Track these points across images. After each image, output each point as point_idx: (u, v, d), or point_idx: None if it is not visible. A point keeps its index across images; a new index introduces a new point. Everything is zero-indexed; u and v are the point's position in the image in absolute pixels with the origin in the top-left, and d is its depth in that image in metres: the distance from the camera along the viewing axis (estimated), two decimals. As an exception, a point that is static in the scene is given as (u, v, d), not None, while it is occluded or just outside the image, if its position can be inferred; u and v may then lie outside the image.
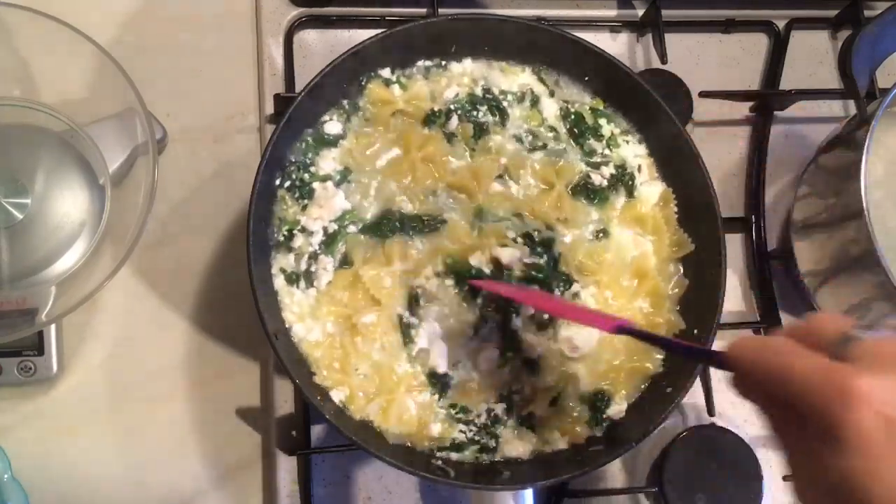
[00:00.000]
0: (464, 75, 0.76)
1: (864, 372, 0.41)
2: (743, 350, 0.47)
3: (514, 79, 0.76)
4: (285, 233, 0.69)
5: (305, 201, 0.70)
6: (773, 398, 0.46)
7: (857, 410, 0.40)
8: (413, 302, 0.70)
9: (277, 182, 0.70)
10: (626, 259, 0.74)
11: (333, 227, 0.70)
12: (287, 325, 0.68)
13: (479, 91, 0.75)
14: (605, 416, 0.70)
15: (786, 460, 0.47)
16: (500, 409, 0.70)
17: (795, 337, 0.46)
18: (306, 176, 0.71)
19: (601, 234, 0.74)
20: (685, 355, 0.68)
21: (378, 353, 0.69)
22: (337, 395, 0.67)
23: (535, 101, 0.76)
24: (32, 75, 0.75)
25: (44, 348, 0.72)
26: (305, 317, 0.68)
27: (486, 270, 0.70)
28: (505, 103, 0.75)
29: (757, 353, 0.46)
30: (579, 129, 0.76)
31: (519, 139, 0.75)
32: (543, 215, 0.72)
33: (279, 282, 0.69)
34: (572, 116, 0.76)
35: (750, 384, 0.48)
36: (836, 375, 0.42)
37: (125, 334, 0.77)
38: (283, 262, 0.69)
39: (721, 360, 0.48)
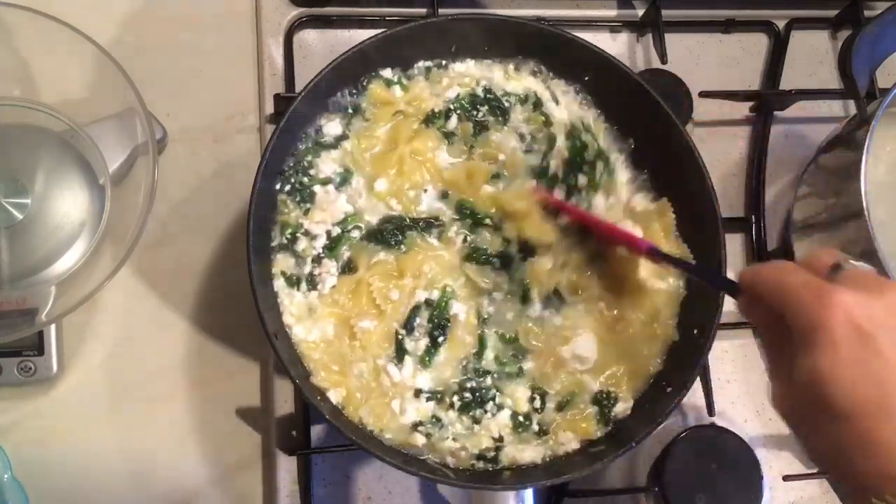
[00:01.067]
0: (465, 76, 0.76)
1: (846, 288, 0.48)
2: (749, 271, 0.55)
3: (516, 83, 0.76)
4: (288, 236, 0.69)
5: (307, 205, 0.70)
6: (769, 313, 0.52)
7: (832, 313, 0.47)
8: (410, 323, 0.70)
9: (277, 186, 0.70)
10: (619, 274, 0.74)
11: (336, 230, 0.70)
12: (287, 326, 0.68)
13: (479, 91, 0.75)
14: (612, 413, 0.70)
15: (768, 371, 0.54)
16: (505, 431, 0.70)
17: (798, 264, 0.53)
18: (306, 179, 0.71)
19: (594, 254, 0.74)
20: (701, 277, 0.71)
21: (370, 361, 0.69)
22: (334, 397, 0.67)
23: (538, 104, 0.76)
24: (32, 75, 0.75)
25: (44, 348, 0.72)
26: (305, 319, 0.68)
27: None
28: (507, 103, 0.75)
29: (760, 270, 0.54)
30: (580, 159, 0.75)
31: (521, 136, 0.75)
32: (526, 231, 0.72)
33: (279, 283, 0.69)
34: (577, 143, 0.75)
35: (752, 300, 0.54)
36: (822, 287, 0.48)
37: (125, 334, 0.77)
38: (284, 264, 0.69)
39: (731, 283, 0.57)
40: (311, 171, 0.71)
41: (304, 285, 0.69)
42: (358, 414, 0.67)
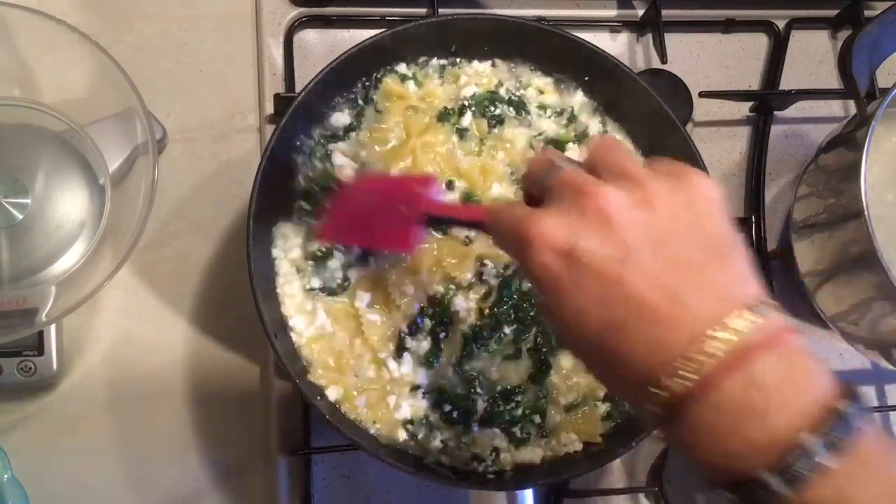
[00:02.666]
0: (482, 76, 0.76)
1: (542, 212, 0.45)
2: (490, 210, 0.51)
3: (553, 96, 0.77)
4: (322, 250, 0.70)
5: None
6: None
7: (534, 252, 0.44)
8: (414, 325, 0.69)
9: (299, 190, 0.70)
10: None
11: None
12: (286, 323, 0.68)
13: (502, 92, 0.76)
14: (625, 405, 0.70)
15: None
16: (501, 444, 0.69)
17: (524, 183, 0.51)
18: (322, 179, 0.71)
19: None
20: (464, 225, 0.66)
21: (372, 354, 0.69)
22: (332, 394, 0.67)
23: (573, 118, 0.76)
24: (32, 75, 0.75)
25: (44, 348, 0.72)
26: (304, 314, 0.69)
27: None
28: (539, 112, 0.76)
29: (493, 213, 0.50)
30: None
31: (531, 145, 0.75)
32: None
33: (281, 279, 0.69)
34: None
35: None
36: (520, 223, 0.45)
37: (125, 334, 0.77)
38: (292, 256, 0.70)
39: (482, 226, 0.52)
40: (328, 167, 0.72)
41: (316, 282, 0.69)
42: (356, 409, 0.67)
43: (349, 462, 0.77)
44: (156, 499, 0.75)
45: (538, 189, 0.48)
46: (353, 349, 0.69)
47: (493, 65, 0.77)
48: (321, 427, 0.76)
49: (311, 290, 0.69)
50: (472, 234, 0.71)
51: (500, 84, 0.76)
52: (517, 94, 0.76)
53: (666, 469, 0.78)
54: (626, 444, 0.66)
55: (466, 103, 0.74)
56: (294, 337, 0.68)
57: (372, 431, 0.67)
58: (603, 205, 0.43)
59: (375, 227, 0.64)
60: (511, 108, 0.76)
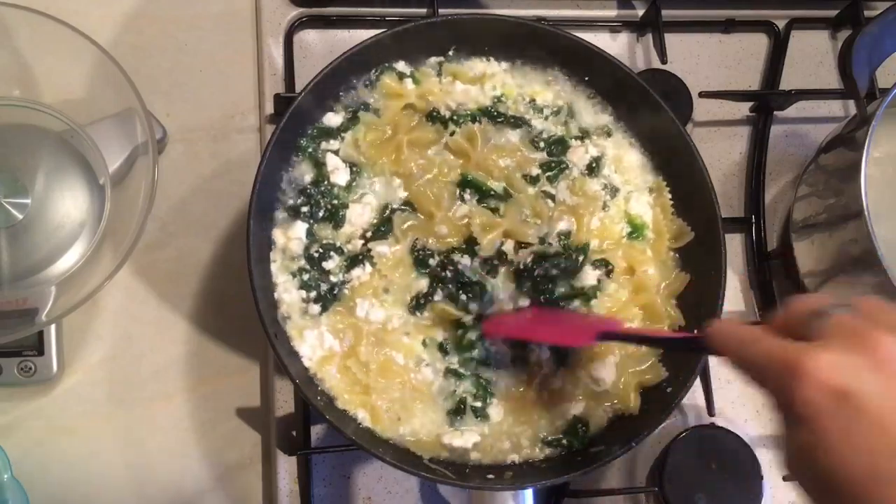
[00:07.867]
0: (477, 80, 0.76)
1: (816, 348, 0.43)
2: (718, 336, 0.51)
3: (548, 94, 0.77)
4: (319, 250, 0.69)
5: (340, 226, 0.71)
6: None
7: (804, 386, 0.43)
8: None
9: (305, 210, 0.70)
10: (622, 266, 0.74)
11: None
12: (283, 318, 0.68)
13: (501, 109, 0.75)
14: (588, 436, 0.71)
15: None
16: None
17: (774, 323, 0.49)
18: (335, 201, 0.71)
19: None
20: (670, 347, 0.70)
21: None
22: (360, 416, 0.67)
23: (572, 115, 0.76)
24: (32, 75, 0.75)
25: (44, 348, 0.72)
26: (308, 336, 0.68)
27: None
28: (535, 112, 0.76)
29: (728, 338, 0.50)
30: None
31: (533, 142, 0.75)
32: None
33: (279, 280, 0.69)
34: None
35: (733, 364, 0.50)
36: (788, 355, 0.44)
37: (125, 334, 0.78)
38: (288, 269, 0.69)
39: (703, 346, 0.52)
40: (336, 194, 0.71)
41: (322, 296, 0.69)
42: (393, 429, 0.67)
43: (349, 462, 0.77)
44: (156, 499, 0.75)
45: (801, 329, 0.46)
46: (366, 369, 0.68)
47: (490, 64, 0.77)
48: (321, 427, 0.76)
49: (308, 301, 0.69)
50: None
51: (498, 101, 0.75)
52: (515, 113, 0.75)
53: (666, 469, 0.78)
54: (626, 444, 0.66)
55: (455, 117, 0.73)
56: (306, 363, 0.67)
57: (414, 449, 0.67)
58: (887, 353, 0.42)
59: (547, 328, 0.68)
60: (507, 122, 0.75)
